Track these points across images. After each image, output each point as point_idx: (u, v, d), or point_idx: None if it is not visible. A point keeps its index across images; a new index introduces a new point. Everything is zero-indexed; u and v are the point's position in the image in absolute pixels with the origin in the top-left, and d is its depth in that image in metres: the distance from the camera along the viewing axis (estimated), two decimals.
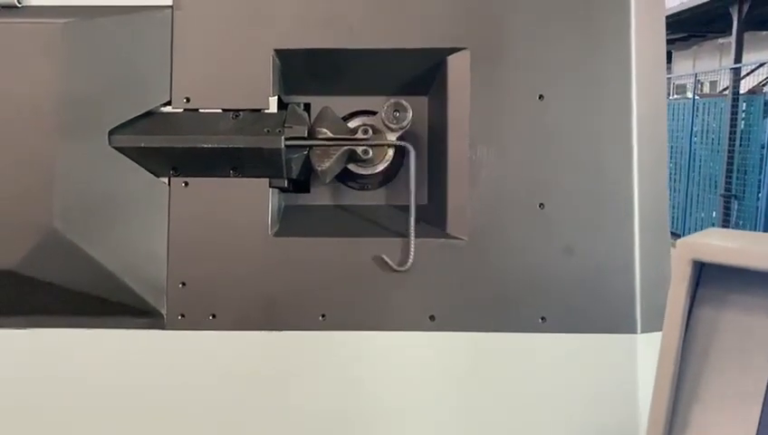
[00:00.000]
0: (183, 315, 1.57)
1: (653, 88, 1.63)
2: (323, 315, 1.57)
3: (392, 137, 1.61)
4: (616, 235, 1.57)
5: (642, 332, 1.56)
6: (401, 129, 1.59)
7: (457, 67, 1.59)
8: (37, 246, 1.49)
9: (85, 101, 1.52)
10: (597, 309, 1.56)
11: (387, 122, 1.58)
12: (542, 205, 1.57)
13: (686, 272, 0.78)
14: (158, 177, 1.58)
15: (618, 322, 1.56)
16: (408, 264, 1.55)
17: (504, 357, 1.58)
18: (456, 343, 1.57)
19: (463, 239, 1.57)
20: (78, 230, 1.51)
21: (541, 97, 1.57)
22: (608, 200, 1.57)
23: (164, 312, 1.57)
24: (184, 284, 1.57)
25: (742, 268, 0.75)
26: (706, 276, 0.81)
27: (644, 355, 1.56)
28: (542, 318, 1.56)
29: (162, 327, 1.57)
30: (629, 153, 1.57)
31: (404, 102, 1.57)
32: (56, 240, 1.49)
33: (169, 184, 1.58)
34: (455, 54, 1.59)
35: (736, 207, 10.30)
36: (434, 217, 1.62)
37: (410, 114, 1.57)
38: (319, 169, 1.57)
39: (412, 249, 1.55)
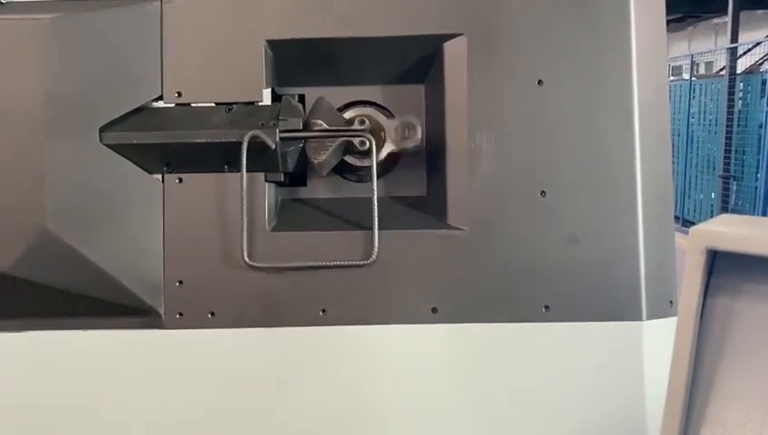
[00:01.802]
0: (181, 314, 1.54)
1: (654, 71, 1.60)
2: (324, 310, 1.54)
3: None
4: (619, 221, 1.55)
5: (648, 318, 1.54)
6: (411, 148, 1.59)
7: (454, 54, 1.56)
8: (30, 247, 1.46)
9: (74, 99, 1.49)
10: (601, 296, 1.54)
11: (395, 141, 1.57)
12: (543, 193, 1.54)
13: (700, 261, 0.76)
14: (151, 173, 1.55)
15: (623, 309, 1.54)
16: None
17: (507, 347, 1.55)
18: (459, 335, 1.55)
19: (463, 230, 1.54)
20: (71, 230, 1.48)
21: (540, 82, 1.54)
22: (610, 186, 1.55)
23: (161, 311, 1.54)
24: (181, 282, 1.54)
25: (757, 256, 0.72)
26: (720, 265, 0.78)
27: (650, 342, 1.54)
28: (546, 307, 1.54)
29: (160, 326, 1.54)
30: (631, 137, 1.55)
31: (413, 122, 1.57)
32: (49, 241, 1.46)
33: (163, 181, 1.55)
34: (451, 41, 1.55)
35: (735, 187, 10.28)
36: (433, 207, 1.60)
37: (419, 134, 1.58)
38: (315, 161, 1.54)
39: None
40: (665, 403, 0.77)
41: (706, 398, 0.75)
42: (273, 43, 1.55)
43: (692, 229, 0.75)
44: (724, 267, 0.77)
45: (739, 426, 0.74)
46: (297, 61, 1.60)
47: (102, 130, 1.50)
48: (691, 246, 0.76)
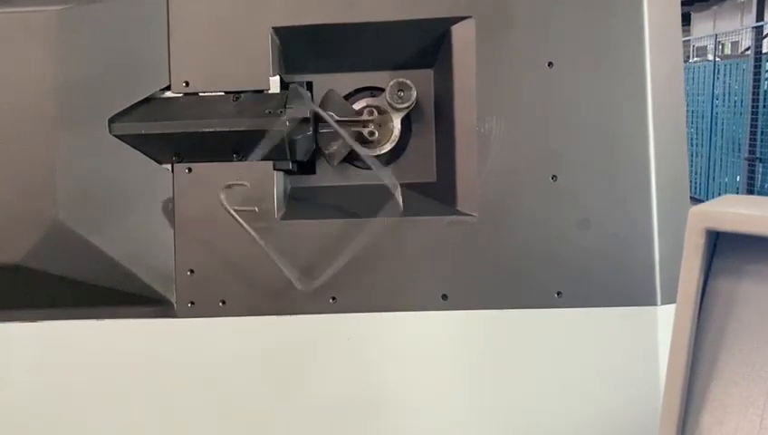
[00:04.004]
0: (193, 303, 1.55)
1: (668, 50, 1.57)
2: (334, 298, 1.54)
3: (397, 116, 1.58)
4: (633, 204, 1.52)
5: (662, 303, 1.51)
6: (406, 108, 1.56)
7: (462, 37, 1.54)
8: (42, 238, 1.48)
9: (83, 90, 1.50)
10: (615, 281, 1.52)
11: (391, 102, 1.54)
12: (554, 177, 1.52)
13: (699, 242, 0.73)
14: (160, 164, 1.56)
15: (637, 294, 1.52)
16: None
17: (519, 334, 1.54)
18: (470, 322, 1.53)
19: (473, 215, 1.53)
20: (83, 221, 1.49)
21: (550, 64, 1.52)
22: (623, 169, 1.52)
23: (173, 300, 1.55)
24: (192, 271, 1.55)
25: (760, 237, 0.70)
26: (722, 247, 0.76)
27: (665, 327, 1.52)
28: (558, 293, 1.52)
29: (172, 315, 1.55)
30: (645, 119, 1.52)
31: (408, 81, 1.54)
32: (61, 232, 1.48)
33: (173, 171, 1.56)
34: (459, 24, 1.53)
35: (761, 170, 10.10)
36: (443, 193, 1.58)
37: (414, 93, 1.54)
38: (326, 152, 1.55)
39: None
40: (664, 387, 0.75)
41: (707, 381, 0.74)
42: (279, 31, 1.55)
43: (691, 210, 0.73)
44: (727, 249, 0.75)
45: (740, 409, 0.72)
46: (304, 48, 1.60)
47: (111, 121, 1.51)
48: (690, 227, 0.74)
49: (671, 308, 1.50)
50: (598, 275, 1.52)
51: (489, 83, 1.52)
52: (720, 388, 0.73)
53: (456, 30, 1.54)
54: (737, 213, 0.70)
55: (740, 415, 0.71)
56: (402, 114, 1.58)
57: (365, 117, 1.56)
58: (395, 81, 1.54)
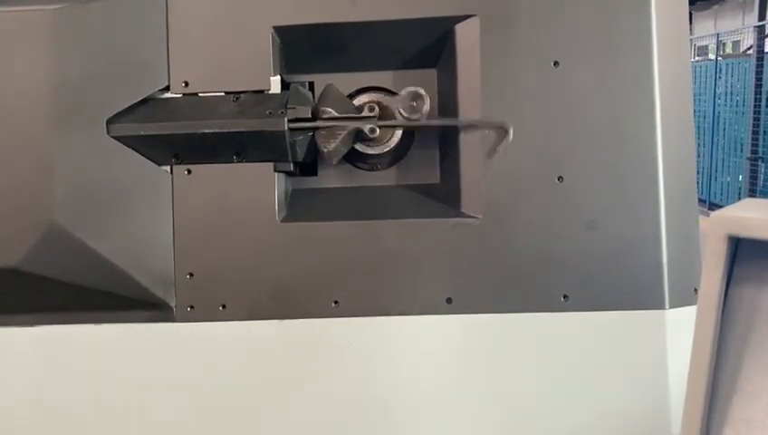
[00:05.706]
0: (192, 307, 1.53)
1: (676, 50, 1.55)
2: (336, 302, 1.52)
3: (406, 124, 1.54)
4: (640, 206, 1.50)
5: (670, 307, 1.49)
6: (417, 120, 1.50)
7: (466, 36, 1.51)
8: (39, 241, 1.45)
9: (80, 91, 1.47)
10: (622, 284, 1.49)
11: (403, 112, 1.50)
12: (560, 178, 1.50)
13: (721, 249, 0.71)
14: (159, 165, 1.53)
15: (644, 297, 1.49)
16: None
17: (525, 338, 1.52)
18: (475, 326, 1.51)
19: (478, 218, 1.50)
20: (80, 224, 1.47)
21: (556, 64, 1.50)
22: (630, 170, 1.50)
23: (173, 304, 1.53)
24: (192, 274, 1.53)
25: None
26: (743, 253, 0.73)
27: (673, 331, 1.49)
28: (565, 296, 1.50)
29: (171, 320, 1.53)
30: (652, 119, 1.49)
31: (422, 92, 1.48)
32: (58, 235, 1.46)
33: (172, 172, 1.53)
34: (463, 22, 1.51)
35: (763, 170, 10.07)
36: (447, 195, 1.56)
37: (428, 104, 1.49)
38: (325, 150, 1.51)
39: None
40: (684, 400, 0.72)
41: (729, 394, 0.71)
42: (280, 30, 1.52)
43: (712, 215, 0.71)
44: (748, 255, 0.72)
45: (765, 424, 0.69)
46: (305, 47, 1.57)
47: (109, 122, 1.49)
48: (711, 234, 0.71)
49: (679, 312, 1.49)
50: (605, 277, 1.49)
51: (493, 83, 1.50)
52: (743, 401, 0.70)
53: (460, 29, 1.52)
54: (759, 218, 0.67)
55: (764, 430, 0.68)
56: (411, 123, 1.52)
57: (366, 113, 1.52)
58: (408, 90, 1.49)
